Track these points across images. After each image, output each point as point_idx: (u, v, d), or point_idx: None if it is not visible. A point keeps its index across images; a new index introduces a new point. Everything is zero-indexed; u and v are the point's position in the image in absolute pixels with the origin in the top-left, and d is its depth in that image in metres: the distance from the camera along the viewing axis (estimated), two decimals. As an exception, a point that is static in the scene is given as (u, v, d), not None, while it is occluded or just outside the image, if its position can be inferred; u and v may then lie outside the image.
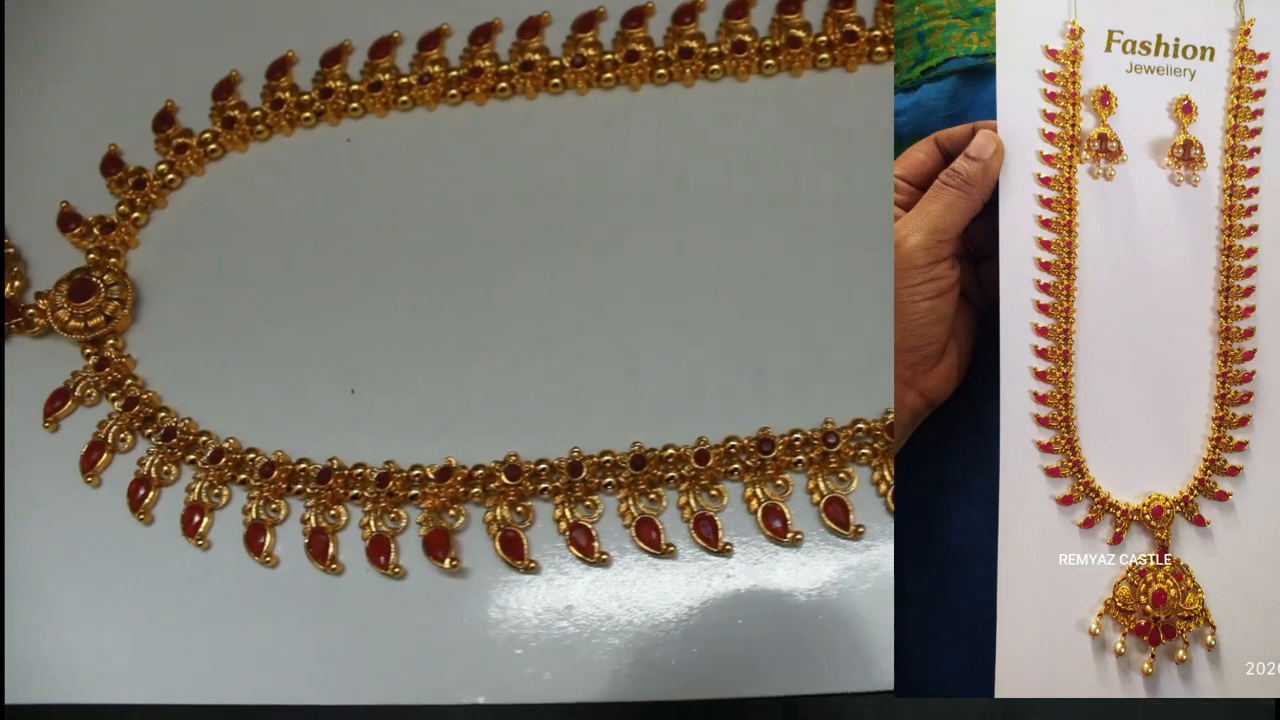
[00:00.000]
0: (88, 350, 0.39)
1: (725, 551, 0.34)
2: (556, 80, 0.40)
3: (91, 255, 0.40)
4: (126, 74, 0.43)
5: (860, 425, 0.35)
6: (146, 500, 0.37)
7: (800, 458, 0.35)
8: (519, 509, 0.35)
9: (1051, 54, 0.30)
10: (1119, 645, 0.29)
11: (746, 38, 0.39)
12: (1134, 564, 0.29)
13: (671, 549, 0.34)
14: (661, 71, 0.39)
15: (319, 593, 0.35)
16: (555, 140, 0.40)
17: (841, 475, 0.35)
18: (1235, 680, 0.29)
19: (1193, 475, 0.30)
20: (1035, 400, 0.30)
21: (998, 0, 0.30)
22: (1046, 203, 0.30)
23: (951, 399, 0.31)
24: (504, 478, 0.35)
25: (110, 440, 0.38)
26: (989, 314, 0.30)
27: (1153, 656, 0.29)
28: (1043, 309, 0.30)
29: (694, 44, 0.39)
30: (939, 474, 0.32)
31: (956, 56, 0.33)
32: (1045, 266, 0.30)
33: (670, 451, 0.35)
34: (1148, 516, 0.30)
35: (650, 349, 0.36)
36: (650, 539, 0.34)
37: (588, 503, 0.35)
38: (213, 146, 0.41)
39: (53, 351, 0.40)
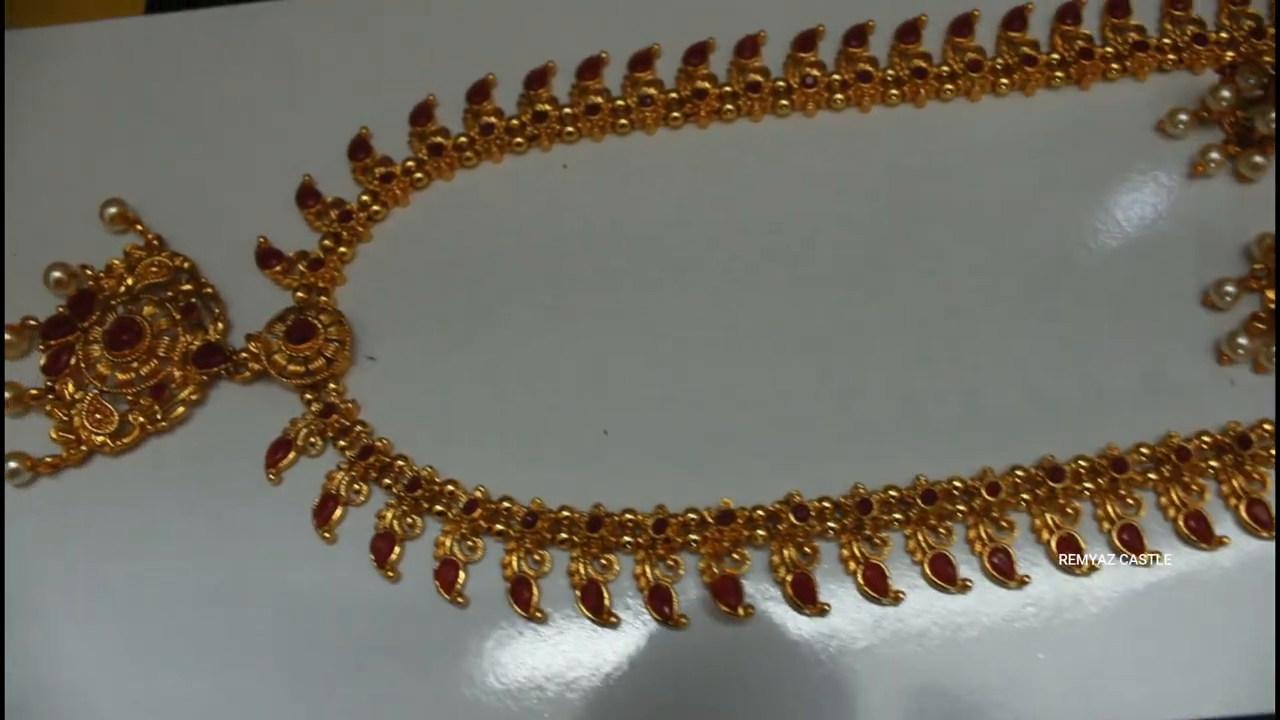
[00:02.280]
0: (308, 396, 0.36)
1: (1022, 583, 0.33)
2: (785, 102, 0.38)
3: (299, 294, 0.38)
4: (316, 102, 0.41)
5: (1144, 450, 0.34)
6: (392, 557, 0.34)
7: (1089, 486, 0.34)
8: (806, 549, 0.34)
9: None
10: None
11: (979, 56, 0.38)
12: None
13: (968, 584, 0.33)
14: (894, 92, 0.38)
15: (591, 646, 0.34)
16: (787, 162, 0.38)
17: (1129, 500, 0.34)
18: None
19: None
20: None
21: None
22: None
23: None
24: (792, 518, 0.34)
25: (343, 492, 0.35)
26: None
27: None
28: None
29: (924, 63, 0.38)
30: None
31: None
32: None
33: (958, 484, 0.34)
34: None
35: (921, 377, 0.35)
36: (945, 574, 0.33)
37: (876, 540, 0.34)
38: (418, 175, 0.39)
39: (253, 396, 0.37)
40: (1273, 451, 0.34)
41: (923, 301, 0.36)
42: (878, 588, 0.33)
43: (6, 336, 0.38)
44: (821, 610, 0.33)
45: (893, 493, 0.34)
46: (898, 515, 0.34)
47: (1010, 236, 0.37)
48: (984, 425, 0.35)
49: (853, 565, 0.33)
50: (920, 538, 0.34)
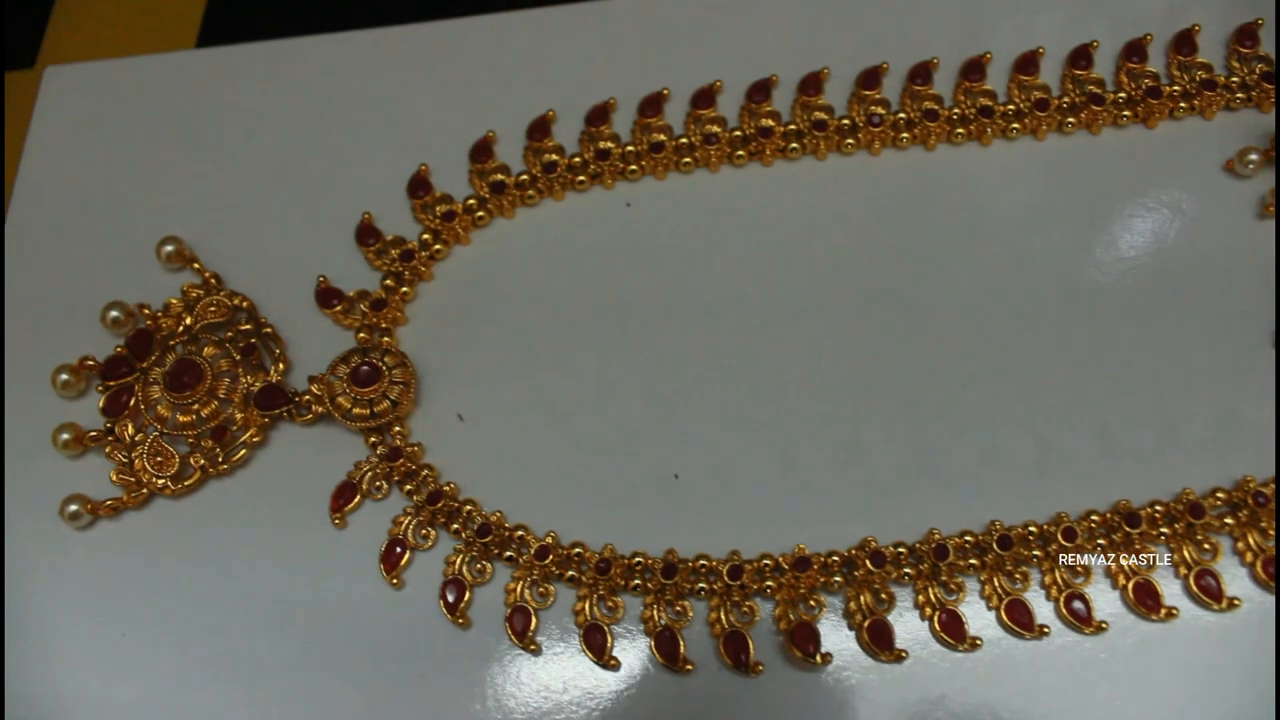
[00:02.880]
0: (372, 439, 0.36)
1: (1099, 629, 0.33)
2: (850, 140, 0.38)
3: (361, 335, 0.37)
4: (373, 137, 0.40)
5: (1220, 495, 0.34)
6: (461, 604, 0.34)
7: (1164, 530, 0.34)
8: (882, 595, 0.33)
9: None
10: None
11: (1045, 94, 0.38)
12: None
13: (1045, 630, 0.33)
14: (960, 130, 0.38)
15: (667, 694, 0.33)
16: (853, 199, 0.38)
17: (1205, 546, 0.34)
18: None
19: None
20: None
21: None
22: None
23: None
24: (869, 564, 0.33)
25: (410, 537, 0.35)
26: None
27: None
28: None
29: (990, 102, 0.38)
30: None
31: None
32: None
33: (1033, 529, 0.34)
34: None
35: (995, 421, 0.35)
36: (1022, 620, 0.33)
37: (951, 585, 0.34)
38: (480, 214, 0.39)
39: (314, 437, 0.37)
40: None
41: (1002, 345, 0.36)
42: (954, 633, 0.33)
43: (64, 376, 0.38)
44: (899, 657, 0.33)
45: (968, 538, 0.34)
46: (973, 560, 0.33)
47: (1078, 277, 0.37)
48: (1057, 470, 0.35)
49: (929, 610, 0.33)
50: (996, 583, 0.33)
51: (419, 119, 0.40)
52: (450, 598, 0.34)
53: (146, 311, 0.39)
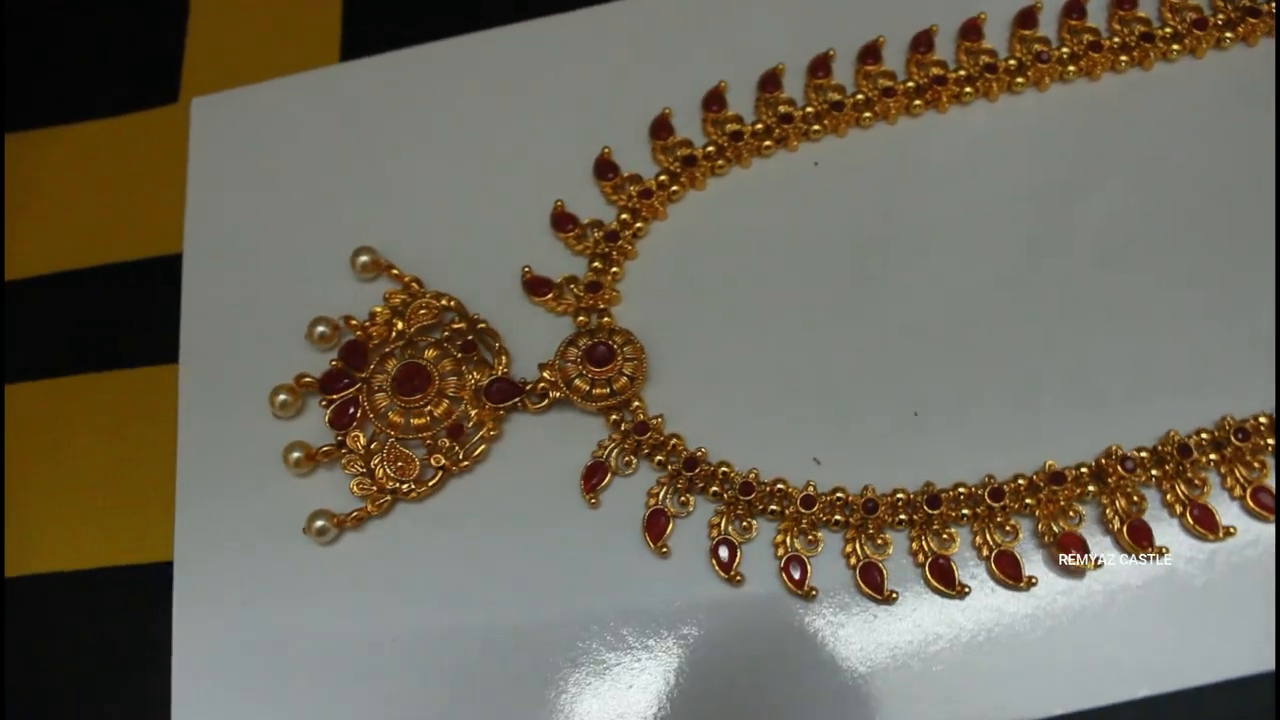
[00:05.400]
0: (613, 417, 0.37)
1: None
2: (1020, 79, 0.40)
3: (581, 318, 0.38)
4: (543, 127, 0.41)
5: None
6: (735, 561, 0.35)
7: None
8: (1134, 498, 0.35)
9: None
10: None
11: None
12: None
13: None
14: (1123, 58, 0.40)
15: (943, 618, 0.34)
16: (1037, 136, 0.39)
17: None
18: None
19: None
20: None
21: None
22: None
23: None
24: (1120, 469, 0.35)
25: (670, 506, 0.36)
26: None
27: None
28: None
29: (1146, 27, 0.40)
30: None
31: None
32: None
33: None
34: None
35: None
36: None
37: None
38: (674, 188, 0.39)
39: (547, 424, 0.38)
40: None
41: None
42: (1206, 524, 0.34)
43: (283, 396, 0.38)
44: (1162, 551, 0.34)
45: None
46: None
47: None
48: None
49: (1177, 508, 0.35)
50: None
51: (582, 105, 0.41)
52: (724, 556, 0.35)
53: (354, 323, 0.39)
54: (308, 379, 0.38)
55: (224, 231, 0.41)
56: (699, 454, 0.36)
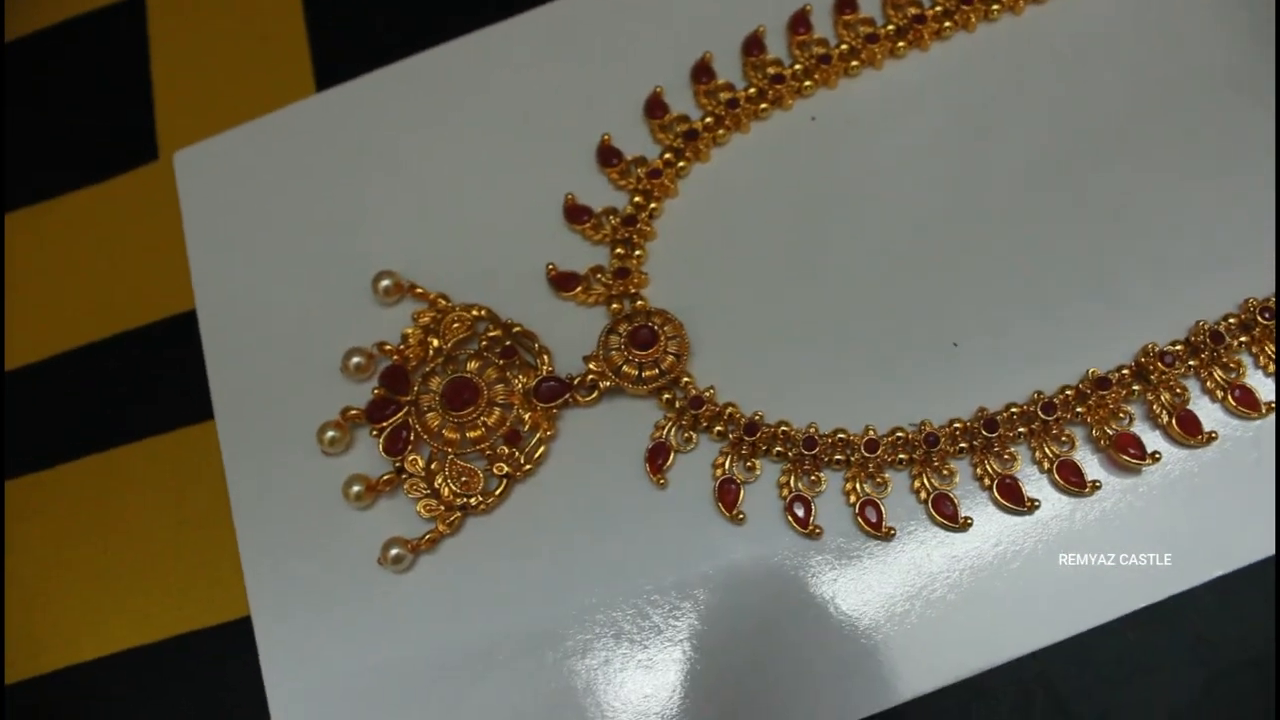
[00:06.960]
0: (666, 396, 0.37)
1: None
2: (996, 5, 0.41)
3: (614, 306, 0.38)
4: (532, 127, 0.41)
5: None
6: (811, 516, 0.36)
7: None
8: (1178, 390, 0.36)
9: None
10: None
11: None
12: None
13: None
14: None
15: (947, 552, 0.35)
16: (1014, 66, 0.40)
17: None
18: None
19: None
20: None
21: None
22: None
23: None
24: (1160, 364, 0.36)
25: (737, 472, 0.36)
26: None
27: None
28: None
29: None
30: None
31: None
32: None
33: None
34: None
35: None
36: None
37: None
38: (680, 164, 0.40)
39: (598, 415, 0.38)
40: None
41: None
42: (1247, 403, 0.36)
43: (331, 433, 0.38)
44: (1212, 436, 0.36)
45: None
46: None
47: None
48: None
49: (1218, 394, 0.36)
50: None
51: (572, 97, 0.41)
52: (799, 512, 0.36)
53: (388, 348, 0.38)
54: (354, 411, 0.38)
55: (233, 279, 0.41)
56: (756, 418, 0.37)
